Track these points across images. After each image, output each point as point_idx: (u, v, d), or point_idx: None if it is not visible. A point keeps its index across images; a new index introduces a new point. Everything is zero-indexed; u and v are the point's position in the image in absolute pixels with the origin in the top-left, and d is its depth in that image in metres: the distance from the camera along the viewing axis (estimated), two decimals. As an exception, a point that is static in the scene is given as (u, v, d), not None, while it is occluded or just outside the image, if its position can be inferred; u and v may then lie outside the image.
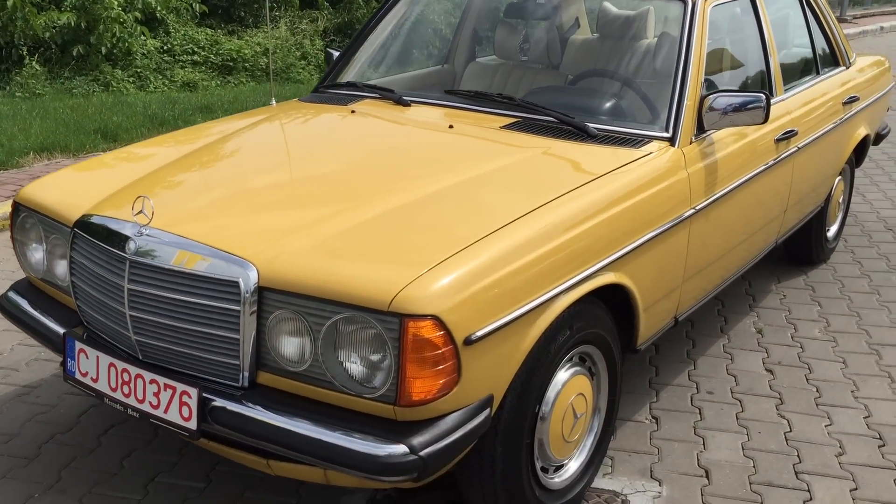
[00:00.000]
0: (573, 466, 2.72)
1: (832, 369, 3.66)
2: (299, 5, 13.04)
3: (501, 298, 2.21)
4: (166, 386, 2.32)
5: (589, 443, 2.78)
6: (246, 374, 2.27)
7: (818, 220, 4.54)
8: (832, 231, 4.87)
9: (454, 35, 4.37)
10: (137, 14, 11.41)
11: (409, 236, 2.32)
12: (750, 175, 3.34)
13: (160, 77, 11.37)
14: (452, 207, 2.49)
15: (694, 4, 3.25)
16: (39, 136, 6.96)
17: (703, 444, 3.12)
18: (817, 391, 3.49)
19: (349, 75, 3.77)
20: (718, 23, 3.49)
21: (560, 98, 3.38)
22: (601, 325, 2.66)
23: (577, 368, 2.64)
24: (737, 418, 3.28)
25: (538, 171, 2.78)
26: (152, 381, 2.35)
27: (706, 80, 3.27)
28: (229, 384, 2.29)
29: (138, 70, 11.22)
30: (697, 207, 2.99)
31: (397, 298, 2.06)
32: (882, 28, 17.06)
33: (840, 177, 4.76)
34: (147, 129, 7.36)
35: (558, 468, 2.69)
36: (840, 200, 4.80)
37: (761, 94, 3.04)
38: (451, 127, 3.09)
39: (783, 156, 3.62)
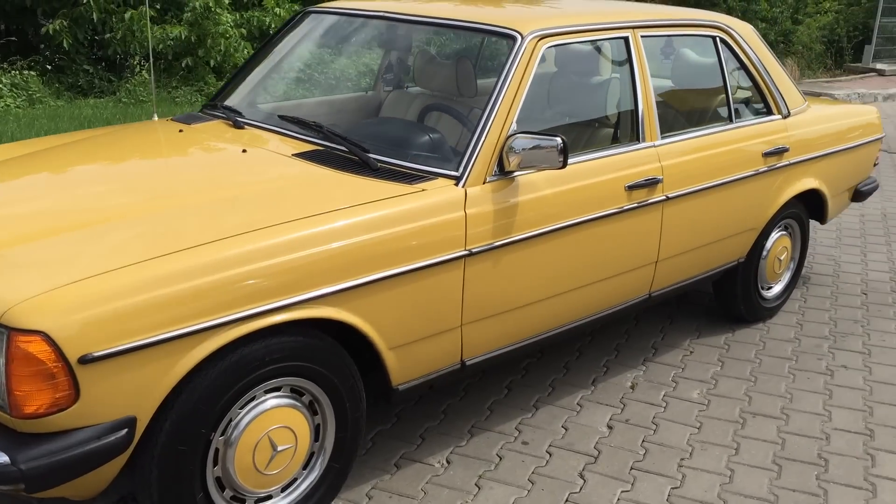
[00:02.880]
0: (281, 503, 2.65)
1: (679, 433, 3.39)
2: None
3: (140, 322, 2.19)
4: None
5: (308, 482, 2.70)
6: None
7: (745, 276, 4.22)
8: (774, 290, 4.50)
9: (381, 63, 4.36)
10: (244, 31, 11.91)
11: (78, 255, 2.33)
12: (575, 221, 3.15)
13: (260, 91, 11.78)
14: (155, 230, 2.49)
15: (521, 41, 3.11)
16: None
17: (476, 494, 2.96)
18: (643, 455, 3.24)
19: (237, 97, 3.79)
20: (567, 63, 3.32)
21: (378, 129, 3.32)
22: (319, 360, 2.59)
23: (287, 401, 2.57)
24: (532, 472, 3.10)
25: (275, 199, 2.72)
26: None
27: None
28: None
29: (240, 83, 11.67)
30: (474, 250, 2.85)
31: (9, 312, 2.10)
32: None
33: (784, 232, 4.40)
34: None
35: (264, 500, 2.63)
36: (782, 258, 4.42)
37: (557, 138, 2.87)
38: (244, 151, 3.09)
39: (641, 204, 3.40)
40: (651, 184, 3.42)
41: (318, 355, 2.59)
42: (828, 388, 3.80)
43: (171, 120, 3.64)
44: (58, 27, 10.70)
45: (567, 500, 2.95)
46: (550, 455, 3.21)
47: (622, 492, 3.02)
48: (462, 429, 3.36)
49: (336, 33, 3.96)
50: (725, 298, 4.35)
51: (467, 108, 3.38)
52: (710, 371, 3.94)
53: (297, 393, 2.62)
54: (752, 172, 3.92)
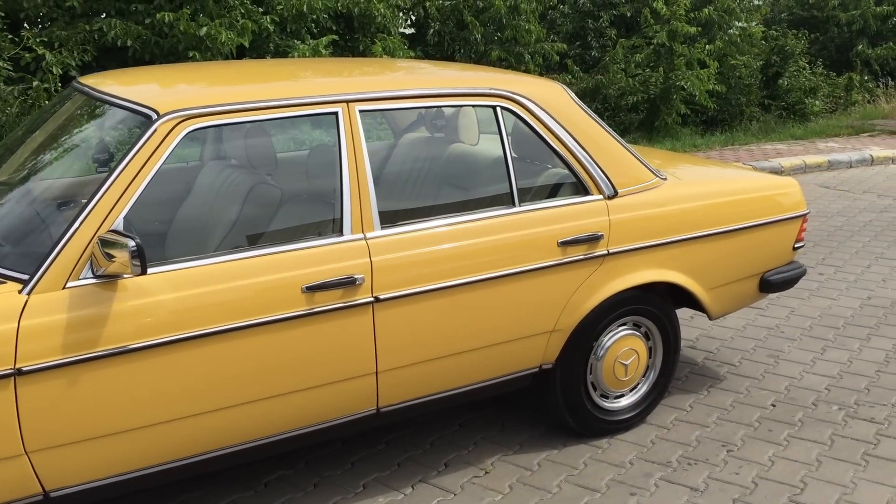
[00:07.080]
0: None
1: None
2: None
3: None
4: None
5: None
6: None
7: (565, 384, 3.42)
8: (624, 401, 3.64)
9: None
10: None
11: None
12: (210, 330, 2.59)
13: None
14: None
15: (153, 122, 2.61)
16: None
17: None
18: None
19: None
20: (248, 146, 2.78)
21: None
22: None
23: None
24: None
25: None
26: None
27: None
28: None
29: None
30: (25, 368, 2.37)
31: None
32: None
33: (633, 331, 3.56)
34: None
35: None
36: (628, 363, 3.56)
37: (129, 240, 2.38)
38: None
39: (334, 307, 2.77)
40: (346, 284, 2.79)
41: None
42: (607, 538, 2.97)
43: None
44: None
45: None
46: None
47: None
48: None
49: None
50: (549, 409, 3.56)
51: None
52: (485, 500, 3.19)
53: None
54: (537, 266, 3.16)
